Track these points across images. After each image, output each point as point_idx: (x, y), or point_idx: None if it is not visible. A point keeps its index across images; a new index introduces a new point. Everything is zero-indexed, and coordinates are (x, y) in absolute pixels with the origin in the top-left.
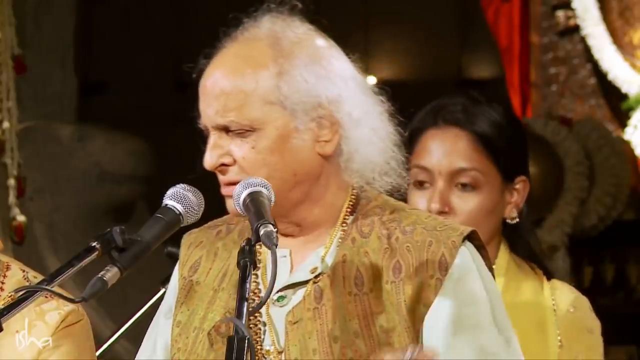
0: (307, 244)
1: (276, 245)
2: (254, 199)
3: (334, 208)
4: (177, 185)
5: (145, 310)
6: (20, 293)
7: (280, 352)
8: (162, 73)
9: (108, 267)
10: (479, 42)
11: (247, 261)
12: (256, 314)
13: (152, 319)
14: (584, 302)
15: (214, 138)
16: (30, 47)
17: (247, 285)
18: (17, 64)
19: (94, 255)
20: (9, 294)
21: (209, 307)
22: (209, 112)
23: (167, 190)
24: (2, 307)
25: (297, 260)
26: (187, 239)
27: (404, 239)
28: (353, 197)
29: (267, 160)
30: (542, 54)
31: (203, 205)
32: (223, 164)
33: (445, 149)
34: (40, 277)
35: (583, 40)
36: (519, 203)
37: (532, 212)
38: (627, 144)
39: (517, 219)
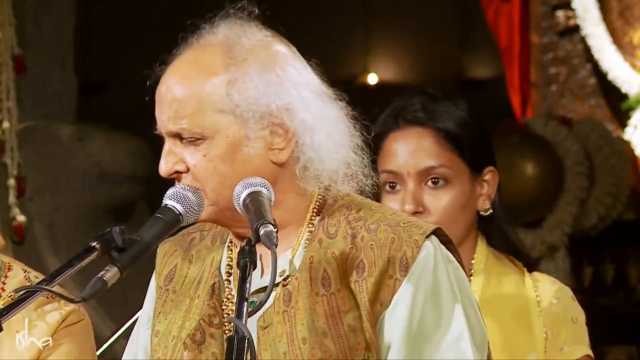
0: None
1: (276, 245)
2: (253, 198)
3: (297, 210)
4: (177, 185)
5: None
6: (20, 293)
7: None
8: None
9: (108, 267)
10: (479, 42)
11: (247, 261)
12: (229, 321)
13: None
14: (567, 292)
15: (168, 145)
16: (30, 47)
17: (247, 285)
18: (17, 64)
19: (93, 255)
20: (9, 294)
21: (186, 315)
22: (163, 118)
23: (167, 190)
24: (2, 307)
25: (266, 263)
26: (161, 249)
27: (368, 237)
28: (319, 197)
29: (219, 169)
30: (542, 54)
31: (203, 205)
32: (177, 171)
33: (411, 149)
34: (41, 278)
35: (583, 40)
36: (490, 194)
37: (532, 212)
38: (627, 144)
39: (491, 210)
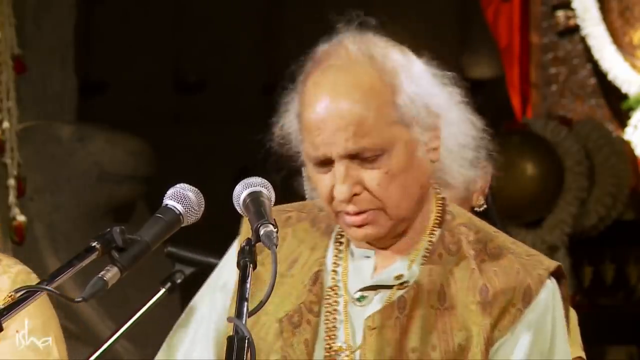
0: (394, 249)
1: (276, 246)
2: (254, 199)
3: (427, 216)
4: (177, 185)
5: (145, 310)
6: (21, 293)
7: (353, 352)
8: (162, 73)
9: (108, 267)
10: (479, 42)
11: (247, 261)
12: (333, 311)
13: (152, 319)
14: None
15: (342, 169)
16: (30, 47)
17: (247, 285)
18: (17, 64)
19: (94, 255)
20: (10, 294)
21: (275, 291)
22: (338, 141)
23: (167, 190)
24: (2, 307)
25: (380, 263)
26: None
27: (490, 262)
28: (439, 208)
29: (401, 181)
30: (542, 54)
31: (203, 205)
32: (354, 194)
33: None
34: (13, 263)
35: (583, 40)
36: (484, 188)
37: (532, 212)
38: (627, 144)
39: (485, 206)
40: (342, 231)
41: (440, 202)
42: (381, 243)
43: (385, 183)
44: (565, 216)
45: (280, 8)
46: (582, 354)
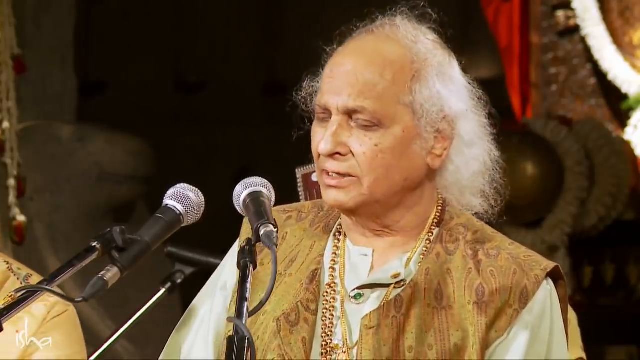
0: (391, 247)
1: (276, 245)
2: (254, 199)
3: (423, 217)
4: (178, 185)
5: (145, 310)
6: (21, 293)
7: (350, 349)
8: (162, 73)
9: (108, 267)
10: (479, 42)
11: (247, 261)
12: (331, 308)
13: (152, 319)
14: None
15: (335, 125)
16: (30, 47)
17: (247, 285)
18: (17, 64)
19: (94, 255)
20: (9, 294)
21: (272, 290)
22: (342, 93)
23: (167, 190)
24: (3, 307)
25: (378, 261)
26: None
27: (487, 262)
28: (439, 208)
29: (387, 161)
30: (542, 54)
31: (204, 205)
32: (338, 153)
33: None
34: (24, 269)
35: (583, 40)
36: None
37: (532, 212)
38: (627, 144)
39: None
40: (340, 228)
41: (440, 202)
42: (362, 223)
43: (371, 154)
44: (565, 216)
45: (280, 8)
46: (583, 355)
